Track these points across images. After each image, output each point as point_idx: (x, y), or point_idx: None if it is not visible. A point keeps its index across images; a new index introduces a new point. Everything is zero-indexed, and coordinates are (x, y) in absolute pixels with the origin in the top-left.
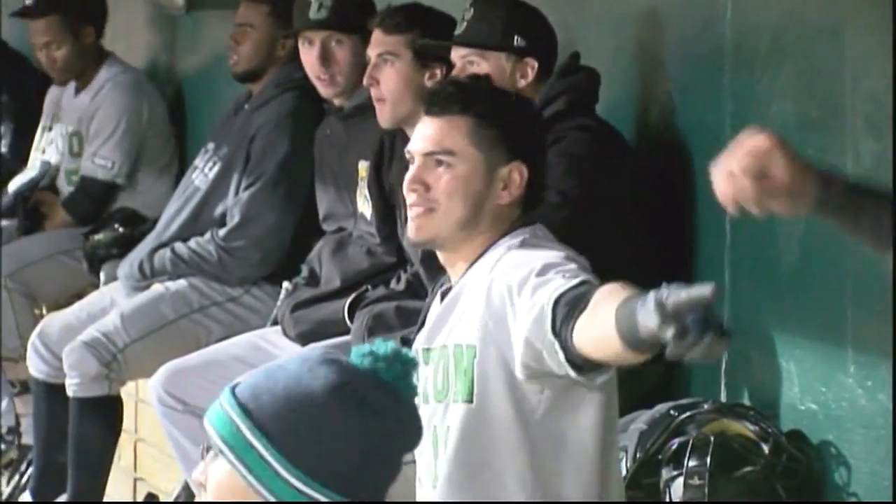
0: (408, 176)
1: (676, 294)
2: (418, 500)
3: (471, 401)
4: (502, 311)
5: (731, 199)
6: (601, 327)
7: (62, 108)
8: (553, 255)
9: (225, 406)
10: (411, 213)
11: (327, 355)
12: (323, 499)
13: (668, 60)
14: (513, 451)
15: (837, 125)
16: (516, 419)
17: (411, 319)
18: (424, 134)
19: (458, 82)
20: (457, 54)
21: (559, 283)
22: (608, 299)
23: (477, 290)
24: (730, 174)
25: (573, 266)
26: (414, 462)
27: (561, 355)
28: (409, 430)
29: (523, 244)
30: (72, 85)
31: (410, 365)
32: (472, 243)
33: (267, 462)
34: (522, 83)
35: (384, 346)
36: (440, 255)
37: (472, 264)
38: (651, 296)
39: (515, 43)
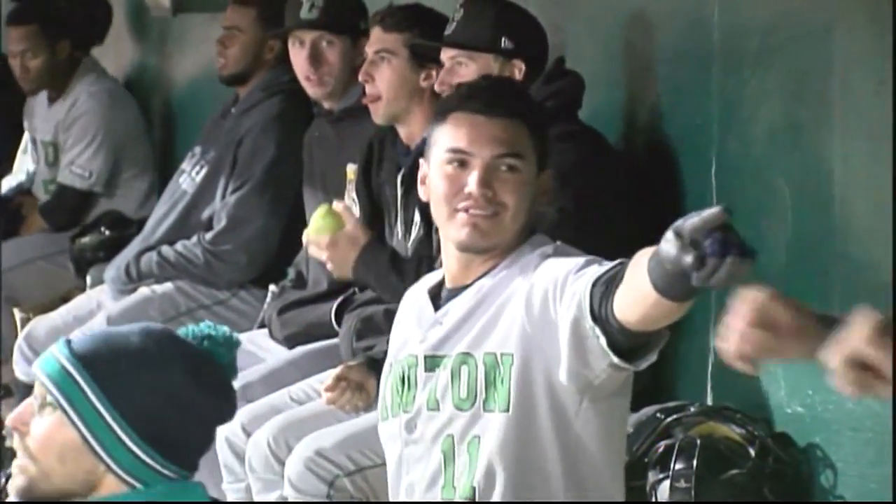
0: (475, 178)
1: (691, 220)
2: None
3: (508, 410)
4: (545, 315)
5: (746, 357)
6: (637, 286)
7: (35, 117)
8: (587, 257)
9: (60, 358)
10: (472, 217)
11: (167, 329)
12: (142, 454)
13: (656, 62)
14: (552, 461)
15: (826, 127)
16: (555, 429)
17: None
18: (491, 134)
19: (506, 83)
20: (446, 55)
21: (594, 271)
22: (639, 261)
23: (512, 298)
24: (739, 334)
25: (607, 263)
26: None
27: (603, 341)
28: (228, 407)
29: (557, 251)
30: (44, 95)
31: (235, 349)
32: (500, 248)
33: (99, 413)
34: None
35: (220, 330)
36: (464, 258)
37: (489, 270)
38: (669, 229)
39: (503, 45)
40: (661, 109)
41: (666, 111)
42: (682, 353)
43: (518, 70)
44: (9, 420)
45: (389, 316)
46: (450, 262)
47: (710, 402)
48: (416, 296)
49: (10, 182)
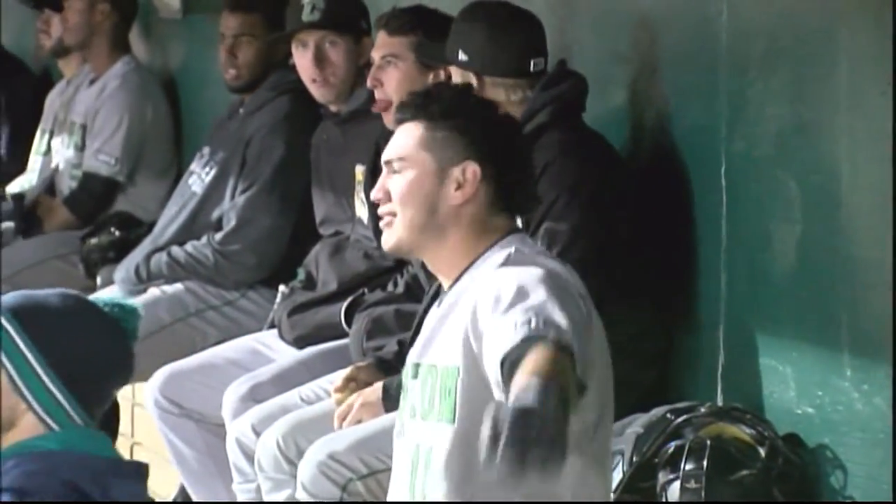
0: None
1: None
2: None
3: (453, 421)
4: (482, 333)
5: None
6: None
7: (76, 100)
8: (530, 276)
9: None
10: (381, 223)
11: (81, 294)
12: (61, 397)
13: (663, 64)
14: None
15: (833, 127)
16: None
17: (410, 323)
18: (388, 144)
19: (423, 90)
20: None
21: (507, 340)
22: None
23: (463, 309)
24: None
25: (540, 296)
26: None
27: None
28: (127, 370)
29: (508, 261)
30: (86, 76)
31: (138, 319)
32: (447, 250)
33: (25, 357)
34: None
35: (127, 301)
36: (427, 264)
37: (462, 273)
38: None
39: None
40: (668, 111)
41: (673, 113)
42: (693, 354)
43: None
44: None
45: (399, 316)
46: None
47: (720, 402)
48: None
49: (22, 182)
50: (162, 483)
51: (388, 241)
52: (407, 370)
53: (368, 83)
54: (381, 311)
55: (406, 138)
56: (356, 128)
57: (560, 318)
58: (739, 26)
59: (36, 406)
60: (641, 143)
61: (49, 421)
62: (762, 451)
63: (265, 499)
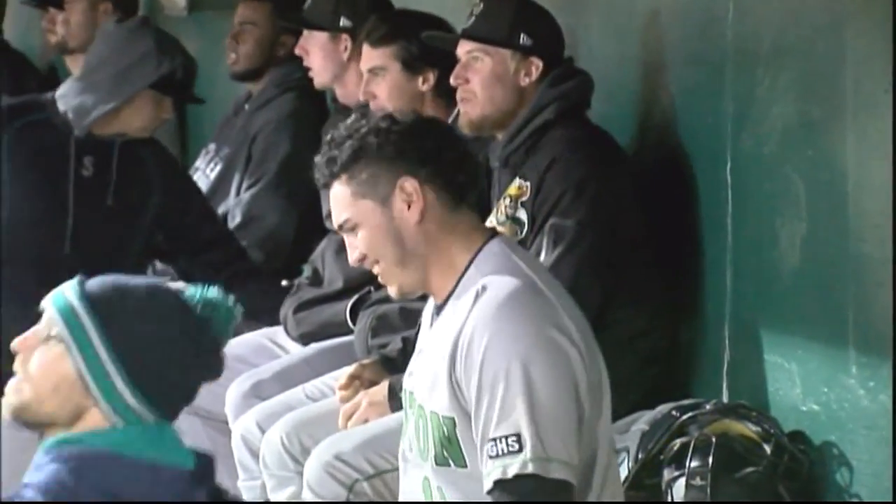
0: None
1: None
2: None
3: (465, 465)
4: (470, 401)
5: None
6: None
7: None
8: (515, 354)
9: (71, 296)
10: (379, 279)
11: (174, 289)
12: (129, 397)
13: (669, 63)
14: None
15: (839, 125)
16: None
17: (415, 320)
18: (331, 211)
19: (329, 146)
20: (462, 49)
21: (495, 465)
22: None
23: (445, 345)
24: None
25: (530, 398)
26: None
27: None
28: (214, 371)
29: (478, 296)
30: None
31: (232, 322)
32: (437, 270)
33: (97, 353)
34: (526, 82)
35: (223, 300)
36: (433, 296)
37: (458, 282)
38: None
39: (521, 41)
40: (675, 109)
41: (679, 111)
42: (697, 351)
43: (535, 67)
44: (14, 342)
45: (405, 314)
46: None
47: (725, 399)
48: (427, 306)
49: None
50: None
51: (393, 291)
52: (405, 394)
53: (361, 96)
54: (385, 308)
55: (339, 200)
56: None
57: (555, 431)
58: (746, 25)
59: (102, 402)
60: (648, 141)
61: (114, 418)
62: (768, 449)
63: (269, 496)
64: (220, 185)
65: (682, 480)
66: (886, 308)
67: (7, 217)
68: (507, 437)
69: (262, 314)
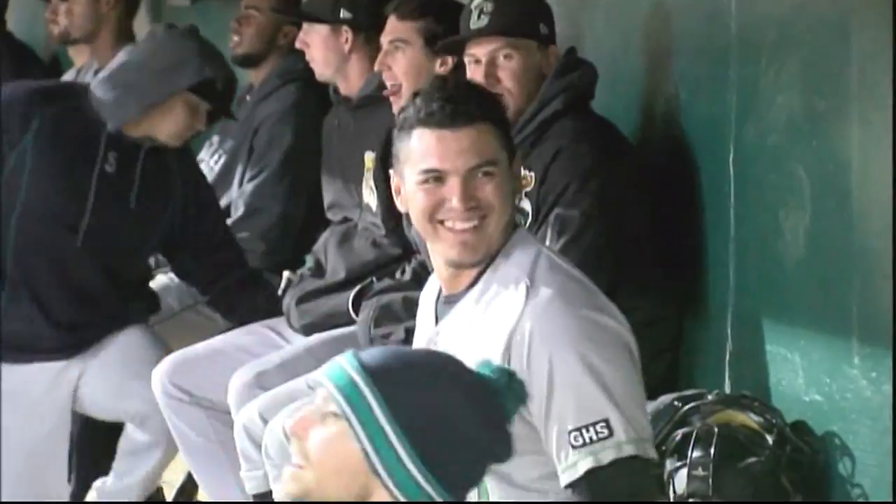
0: (456, 193)
1: None
2: None
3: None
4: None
5: None
6: None
7: None
8: (593, 345)
9: (349, 370)
10: (459, 234)
11: (453, 356)
12: (423, 481)
13: (674, 54)
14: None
15: (843, 116)
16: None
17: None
18: (460, 148)
19: (462, 87)
20: (483, 49)
21: (583, 460)
22: None
23: (489, 334)
24: None
25: (612, 385)
26: None
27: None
28: (502, 446)
29: (532, 281)
30: (93, 67)
31: (521, 401)
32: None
33: (383, 429)
34: (547, 72)
35: (513, 379)
36: (453, 270)
37: (477, 277)
38: None
39: (541, 31)
40: (678, 100)
41: (683, 102)
42: (700, 342)
43: (554, 56)
44: (290, 425)
45: (407, 303)
46: (440, 271)
47: (727, 390)
48: (424, 298)
49: None
50: (170, 470)
51: (478, 248)
52: None
53: (376, 66)
54: (388, 298)
55: (486, 141)
56: (368, 114)
57: (637, 412)
58: (750, 16)
59: (390, 485)
60: (651, 131)
61: (402, 499)
62: (770, 439)
63: (272, 485)
64: (224, 177)
65: (685, 470)
66: (890, 299)
67: (24, 201)
68: (593, 425)
69: (258, 317)
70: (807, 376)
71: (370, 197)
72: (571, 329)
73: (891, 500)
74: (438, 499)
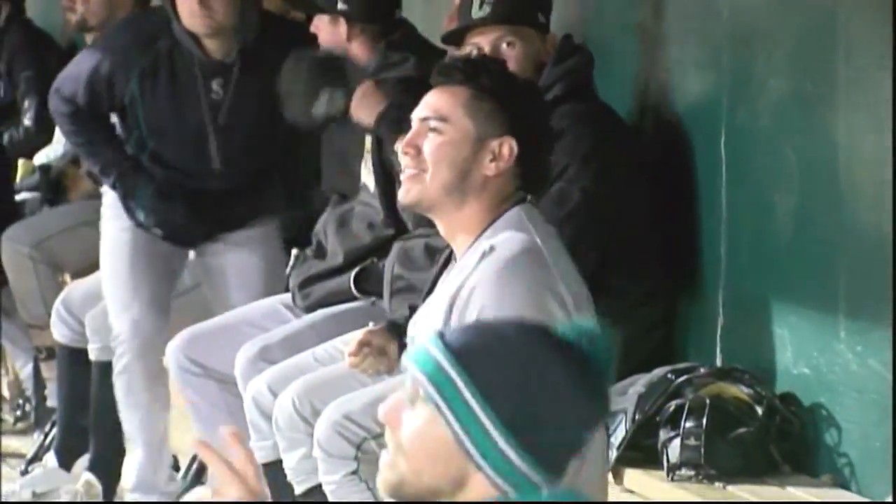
0: (404, 140)
1: None
2: None
3: None
4: None
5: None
6: None
7: None
8: (508, 311)
9: (435, 353)
10: (403, 175)
11: (542, 325)
12: (519, 461)
13: (667, 38)
14: None
15: (832, 100)
16: None
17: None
18: (425, 102)
19: (467, 57)
20: (487, 38)
21: None
22: None
23: (443, 294)
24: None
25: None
26: None
27: None
28: (601, 412)
29: (505, 269)
30: None
31: (614, 356)
32: (463, 216)
33: (473, 411)
34: (545, 59)
35: (600, 332)
36: (439, 227)
37: (474, 240)
38: None
39: (539, 19)
40: (671, 84)
41: (676, 85)
42: (693, 317)
43: (552, 45)
44: (382, 414)
45: (430, 250)
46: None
47: (719, 363)
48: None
49: (48, 153)
50: (184, 443)
51: (410, 193)
52: (409, 341)
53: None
54: (412, 243)
55: (449, 100)
56: None
57: None
58: (742, 2)
59: (485, 467)
60: (644, 114)
61: (501, 483)
62: (760, 410)
63: (282, 455)
64: None
65: (678, 440)
66: (876, 276)
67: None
68: None
69: None
70: (795, 350)
71: (368, 177)
72: (515, 295)
73: (890, 500)
74: (535, 478)
